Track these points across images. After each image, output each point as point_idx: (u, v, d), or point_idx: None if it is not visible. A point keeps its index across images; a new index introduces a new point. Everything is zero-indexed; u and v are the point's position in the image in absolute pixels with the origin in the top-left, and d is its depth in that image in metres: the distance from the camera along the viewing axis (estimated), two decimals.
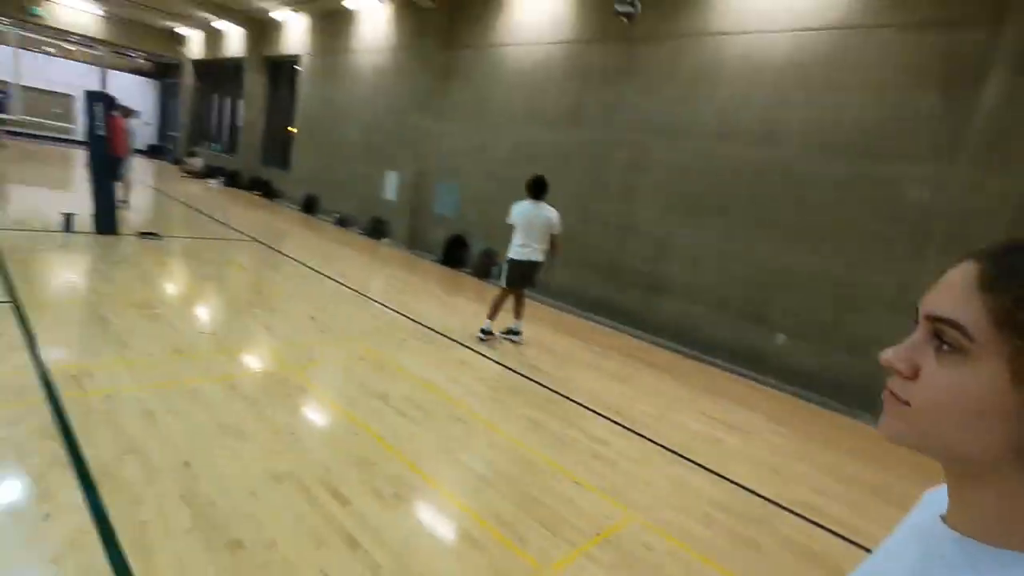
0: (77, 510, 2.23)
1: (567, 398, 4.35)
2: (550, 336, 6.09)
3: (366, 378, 4.12)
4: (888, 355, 0.49)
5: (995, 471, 0.44)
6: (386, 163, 10.83)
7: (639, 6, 6.48)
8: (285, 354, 4.37)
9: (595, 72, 7.53)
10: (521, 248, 5.26)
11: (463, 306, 6.88)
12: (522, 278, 5.37)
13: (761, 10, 5.95)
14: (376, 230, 10.96)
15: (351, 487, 2.70)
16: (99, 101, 6.86)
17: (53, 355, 3.58)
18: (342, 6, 11.54)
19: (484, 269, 8.80)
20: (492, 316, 5.45)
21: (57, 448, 2.61)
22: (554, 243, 5.36)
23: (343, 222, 11.86)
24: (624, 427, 3.98)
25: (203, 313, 5.10)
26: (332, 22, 12.39)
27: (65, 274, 5.54)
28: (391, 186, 10.73)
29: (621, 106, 7.23)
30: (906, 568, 0.52)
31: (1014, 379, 0.41)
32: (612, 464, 3.41)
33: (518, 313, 5.57)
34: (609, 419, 4.07)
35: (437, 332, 5.51)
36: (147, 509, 2.31)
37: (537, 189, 5.25)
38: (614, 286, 7.26)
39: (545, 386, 4.54)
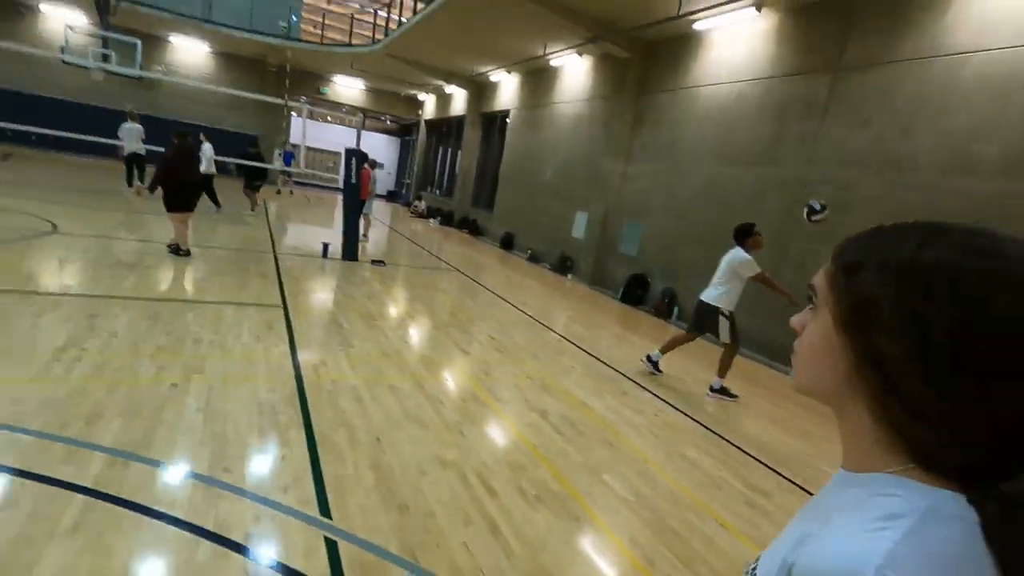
0: (302, 458, 2.96)
1: (730, 443, 4.16)
2: (727, 380, 5.82)
3: (531, 395, 4.50)
4: (792, 319, 0.63)
5: (844, 406, 0.56)
6: (577, 204, 11.46)
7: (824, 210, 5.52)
8: (466, 366, 4.99)
9: (793, 107, 7.13)
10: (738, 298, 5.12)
11: (636, 342, 6.94)
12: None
13: (1007, 22, 5.10)
14: (563, 266, 11.59)
15: (501, 483, 3.05)
16: (354, 156, 8.72)
17: (303, 346, 4.68)
18: (548, 64, 12.74)
19: (664, 309, 8.71)
20: (665, 350, 5.44)
21: (295, 413, 3.46)
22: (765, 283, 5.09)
23: (534, 258, 12.78)
24: (793, 483, 3.67)
25: (409, 326, 6.07)
26: (538, 79, 13.71)
27: (318, 289, 7.08)
28: (580, 225, 11.30)
29: (822, 141, 6.70)
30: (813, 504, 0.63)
31: (835, 324, 0.55)
32: (768, 515, 3.20)
33: (724, 368, 5.16)
34: (776, 471, 3.79)
35: (604, 363, 5.70)
36: (346, 467, 2.95)
37: (740, 234, 5.10)
38: None
39: (708, 427, 4.40)
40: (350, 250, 8.87)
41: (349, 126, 26.04)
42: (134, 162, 12.02)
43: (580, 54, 11.43)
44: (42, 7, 17.66)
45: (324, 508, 2.56)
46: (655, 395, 4.98)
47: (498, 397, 4.41)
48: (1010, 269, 0.46)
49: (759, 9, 7.55)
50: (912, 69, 5.85)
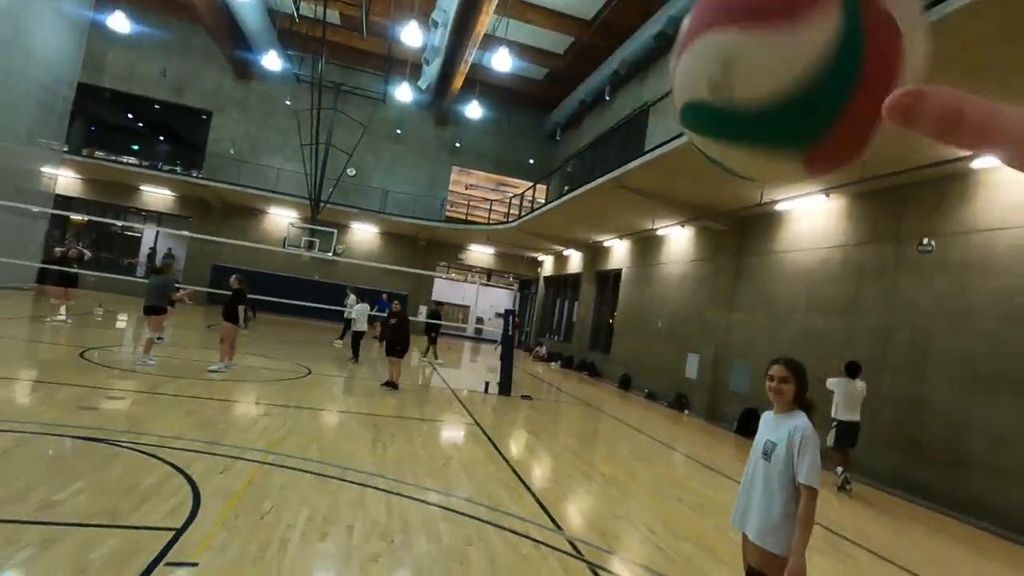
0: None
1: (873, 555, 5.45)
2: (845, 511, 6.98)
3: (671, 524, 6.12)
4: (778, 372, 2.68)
5: (791, 402, 2.59)
6: (688, 347, 13.21)
7: (935, 247, 7.77)
8: (597, 491, 6.74)
9: (868, 268, 8.84)
10: (847, 412, 7.13)
11: None
12: (847, 438, 7.13)
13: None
14: (679, 403, 13.04)
15: None
16: (510, 314, 11.43)
17: (501, 446, 6.76)
18: (655, 233, 15.44)
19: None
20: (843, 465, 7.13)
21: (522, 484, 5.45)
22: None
23: (651, 396, 14.33)
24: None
25: (543, 440, 7.97)
26: (646, 244, 16.41)
27: (488, 414, 9.28)
28: (692, 366, 12.93)
29: (897, 294, 8.26)
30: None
31: (791, 377, 2.60)
32: None
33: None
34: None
35: (723, 474, 7.14)
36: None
37: (852, 370, 7.29)
38: (909, 461, 7.58)
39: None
40: (505, 387, 11.20)
41: (474, 283, 30.32)
42: (360, 337, 13.07)
43: (683, 226, 14.00)
44: (269, 210, 24.14)
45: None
46: None
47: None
48: (802, 366, 2.55)
49: (827, 195, 9.68)
50: (957, 240, 7.51)
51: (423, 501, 4.57)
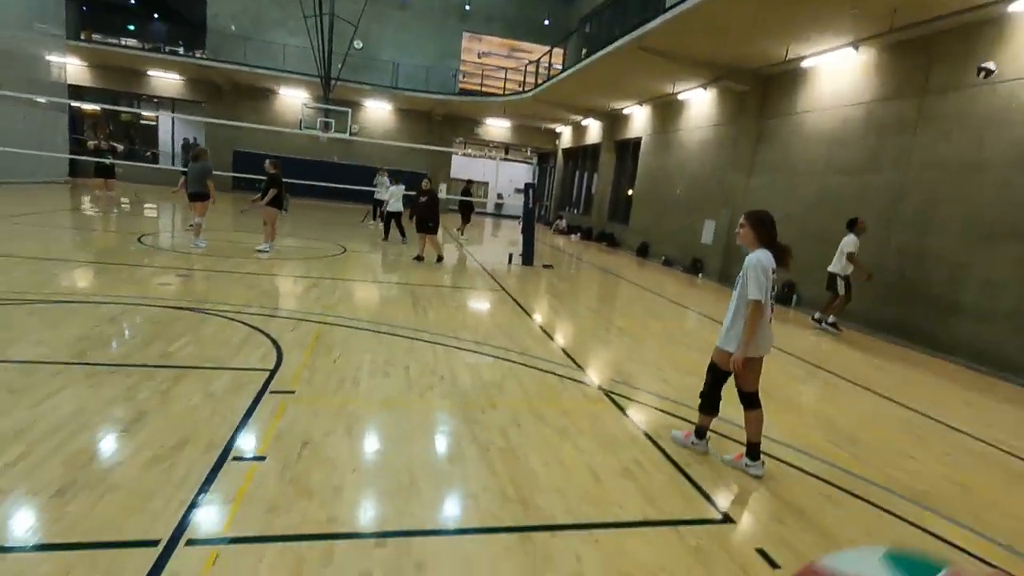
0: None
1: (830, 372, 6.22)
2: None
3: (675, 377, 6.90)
4: (741, 232, 3.17)
5: (750, 245, 3.13)
6: (705, 214, 13.50)
7: (996, 68, 7.35)
8: (613, 341, 7.51)
9: (889, 125, 8.79)
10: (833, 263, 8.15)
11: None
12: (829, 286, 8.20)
13: None
14: (694, 268, 13.65)
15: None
16: (530, 188, 11.74)
17: (533, 313, 7.54)
18: (676, 98, 15.00)
19: (786, 297, 10.52)
20: (826, 312, 8.24)
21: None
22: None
23: (668, 263, 14.94)
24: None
25: (565, 303, 8.74)
26: (667, 109, 15.98)
27: (514, 282, 10.04)
28: (708, 232, 13.32)
29: (915, 151, 8.32)
30: None
31: (751, 226, 3.17)
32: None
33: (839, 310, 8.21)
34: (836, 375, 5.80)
35: None
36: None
37: (848, 225, 8.04)
38: (907, 309, 8.20)
39: (832, 371, 6.47)
40: (527, 258, 11.86)
41: (491, 158, 30.00)
42: (393, 217, 13.23)
43: (705, 88, 13.57)
44: (280, 90, 23.61)
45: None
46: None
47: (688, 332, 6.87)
48: (766, 215, 3.21)
49: (856, 48, 9.30)
50: (983, 92, 7.40)
51: (463, 349, 5.39)
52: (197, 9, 23.52)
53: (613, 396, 4.57)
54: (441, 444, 3.39)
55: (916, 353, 7.57)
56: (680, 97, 14.80)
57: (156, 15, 27.66)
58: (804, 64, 10.35)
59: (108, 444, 2.93)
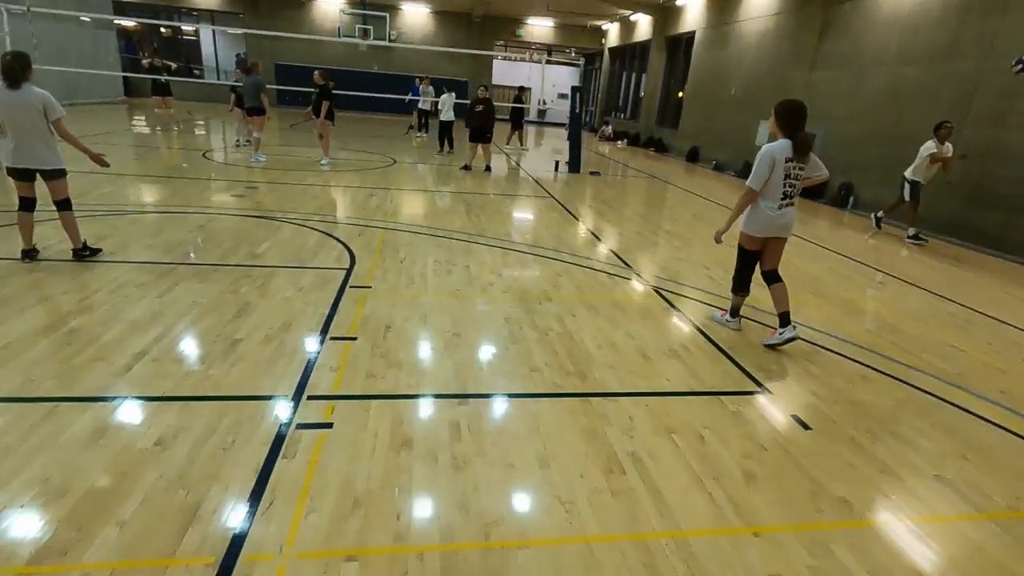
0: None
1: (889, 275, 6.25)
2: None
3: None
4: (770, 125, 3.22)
5: (775, 134, 3.21)
6: (760, 114, 12.86)
7: None
8: (662, 243, 7.61)
9: (973, 5, 8.00)
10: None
11: (821, 225, 8.86)
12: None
13: None
14: (746, 172, 13.21)
15: None
16: (576, 91, 11.44)
17: (582, 220, 7.72)
18: None
19: (841, 200, 10.23)
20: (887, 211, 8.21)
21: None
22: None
23: (719, 167, 14.51)
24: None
25: (613, 208, 8.82)
26: None
27: (561, 189, 10.13)
28: (763, 134, 12.76)
29: (999, 37, 7.62)
30: None
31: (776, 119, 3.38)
32: None
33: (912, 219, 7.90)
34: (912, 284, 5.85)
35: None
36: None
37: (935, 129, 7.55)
38: (976, 211, 7.90)
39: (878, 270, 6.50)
40: (574, 165, 11.80)
41: (535, 61, 28.70)
42: (446, 127, 13.03)
43: None
44: None
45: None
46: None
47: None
48: (791, 105, 3.41)
49: None
50: None
51: (517, 251, 5.71)
52: None
53: (661, 291, 4.85)
54: (505, 329, 3.80)
55: (978, 254, 7.42)
56: None
57: None
58: None
59: (228, 326, 3.47)
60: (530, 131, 24.51)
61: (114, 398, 2.61)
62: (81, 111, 15.73)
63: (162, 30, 24.85)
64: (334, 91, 9.83)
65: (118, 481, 2.09)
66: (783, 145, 3.46)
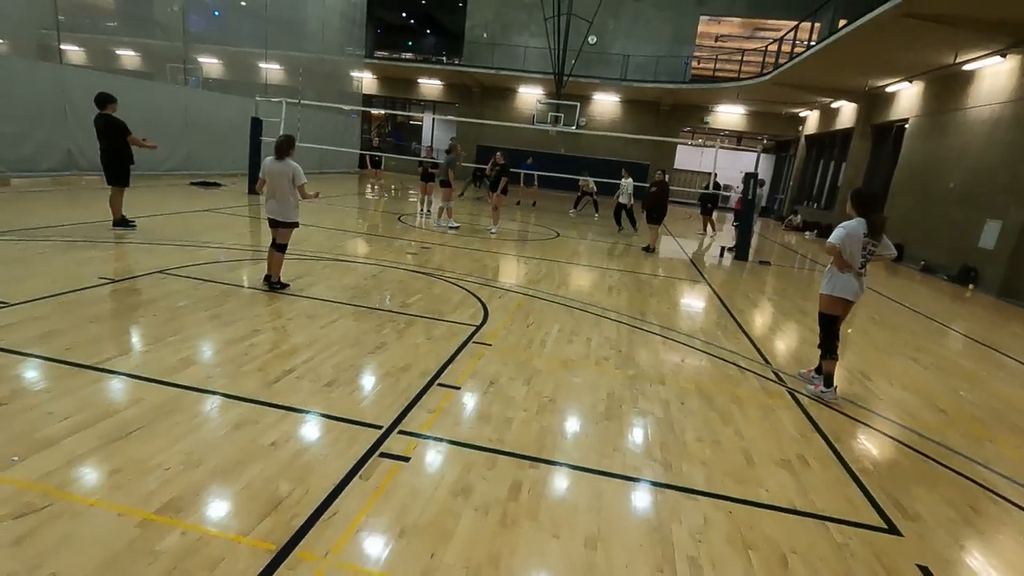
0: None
1: None
2: None
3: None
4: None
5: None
6: (988, 211, 10.92)
7: None
8: (816, 340, 6.72)
9: None
10: None
11: None
12: None
13: None
14: (964, 277, 11.18)
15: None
16: (751, 177, 11.04)
17: (729, 305, 7.29)
18: (960, 69, 12.30)
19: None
20: None
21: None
22: None
23: (928, 269, 12.47)
24: None
25: (773, 301, 8.03)
26: (945, 84, 13.19)
27: (720, 275, 9.65)
28: (991, 234, 10.77)
29: None
30: None
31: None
32: None
33: None
34: None
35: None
36: None
37: None
38: None
39: None
40: (742, 253, 11.21)
41: (724, 147, 28.19)
42: (622, 209, 13.86)
43: (1002, 56, 10.89)
44: (519, 89, 25.92)
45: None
46: None
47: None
48: (865, 191, 4.26)
49: None
50: None
51: (646, 330, 5.61)
52: (458, 22, 27.11)
53: (796, 393, 4.35)
54: (603, 404, 3.77)
55: None
56: (966, 68, 12.12)
57: (428, 31, 32.67)
58: None
59: (361, 360, 4.02)
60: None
61: (258, 402, 3.22)
62: (327, 179, 19.59)
63: (397, 118, 30.12)
64: (514, 169, 10.90)
65: (234, 466, 2.57)
66: (858, 222, 4.13)
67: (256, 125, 12.24)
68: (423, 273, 7.01)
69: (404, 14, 30.91)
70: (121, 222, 7.44)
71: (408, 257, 7.98)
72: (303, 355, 3.98)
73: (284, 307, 5.05)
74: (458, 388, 3.72)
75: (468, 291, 6.32)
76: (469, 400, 3.58)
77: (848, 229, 4.16)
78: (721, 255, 11.51)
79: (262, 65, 18.86)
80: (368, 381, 3.68)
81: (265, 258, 5.65)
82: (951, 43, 11.03)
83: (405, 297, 5.82)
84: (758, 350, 5.39)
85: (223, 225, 8.69)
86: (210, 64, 19.92)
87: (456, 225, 10.97)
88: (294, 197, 5.29)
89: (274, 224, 5.36)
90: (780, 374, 4.78)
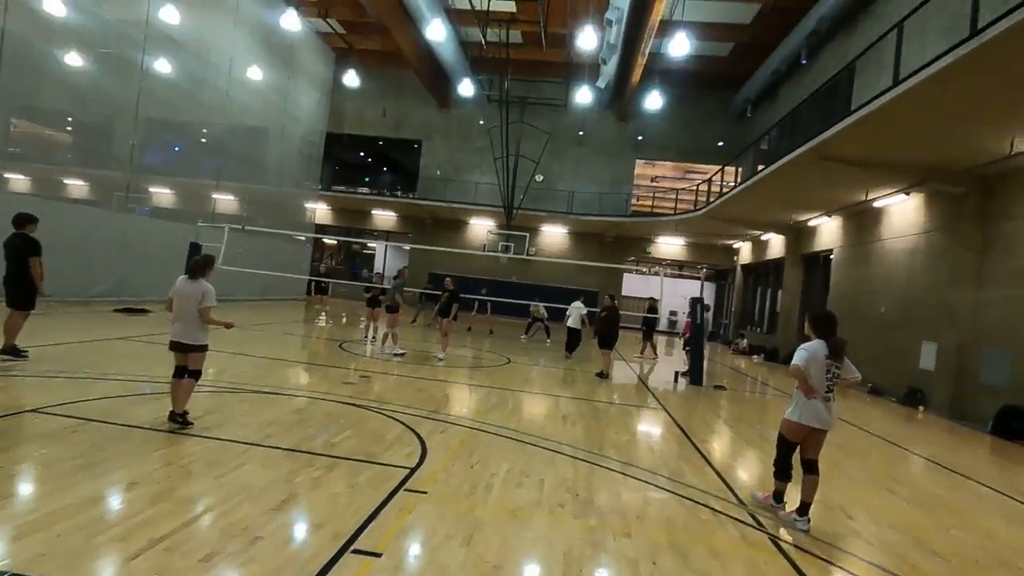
0: None
1: None
2: None
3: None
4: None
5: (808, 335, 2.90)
6: (923, 334, 11.31)
7: None
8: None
9: None
10: None
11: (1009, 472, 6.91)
12: None
13: None
14: (912, 398, 11.24)
15: None
16: (697, 302, 11.19)
17: (692, 435, 6.83)
18: (872, 206, 13.51)
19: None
20: None
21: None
22: None
23: (876, 391, 12.57)
24: None
25: (735, 428, 7.65)
26: (861, 219, 14.41)
27: (676, 401, 9.27)
28: (929, 356, 11.05)
29: None
30: None
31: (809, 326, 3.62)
32: None
33: None
34: None
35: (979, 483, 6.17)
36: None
37: None
38: None
39: None
40: (696, 377, 10.99)
41: (657, 274, 29.55)
42: (572, 334, 13.42)
43: (907, 194, 12.04)
44: (470, 220, 26.94)
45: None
46: None
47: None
48: (822, 313, 4.12)
49: None
50: None
51: (606, 467, 5.01)
52: (414, 161, 28.70)
53: (779, 542, 3.76)
54: (559, 568, 3.07)
55: None
56: (877, 205, 13.31)
57: (385, 168, 34.38)
58: None
59: (259, 520, 3.23)
60: (660, 341, 24.15)
61: None
62: (270, 305, 18.88)
63: (352, 246, 30.43)
64: (465, 295, 10.68)
65: None
66: (819, 344, 4.04)
67: (194, 250, 11.78)
68: (357, 406, 6.29)
69: (362, 153, 32.62)
70: (11, 350, 6.53)
71: (344, 387, 7.26)
72: (184, 516, 3.17)
73: (181, 451, 4.23)
74: (379, 555, 2.97)
75: (407, 425, 5.63)
76: (391, 572, 2.82)
77: (810, 351, 4.07)
78: (676, 380, 11.26)
79: (214, 195, 18.91)
80: (262, 551, 2.88)
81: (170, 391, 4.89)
82: (862, 182, 12.17)
83: (332, 435, 5.07)
84: (728, 486, 4.84)
85: (136, 354, 7.82)
86: (161, 193, 19.86)
87: (402, 352, 10.40)
88: (201, 319, 4.72)
89: (179, 348, 4.71)
90: (757, 517, 4.21)
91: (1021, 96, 7.27)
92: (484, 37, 21.52)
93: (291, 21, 18.66)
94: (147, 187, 19.05)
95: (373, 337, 12.02)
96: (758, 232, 20.58)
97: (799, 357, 4.04)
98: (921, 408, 10.91)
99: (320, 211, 27.19)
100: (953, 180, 10.24)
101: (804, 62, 18.88)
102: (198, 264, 4.76)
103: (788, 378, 4.31)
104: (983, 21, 6.43)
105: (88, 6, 13.75)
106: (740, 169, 22.11)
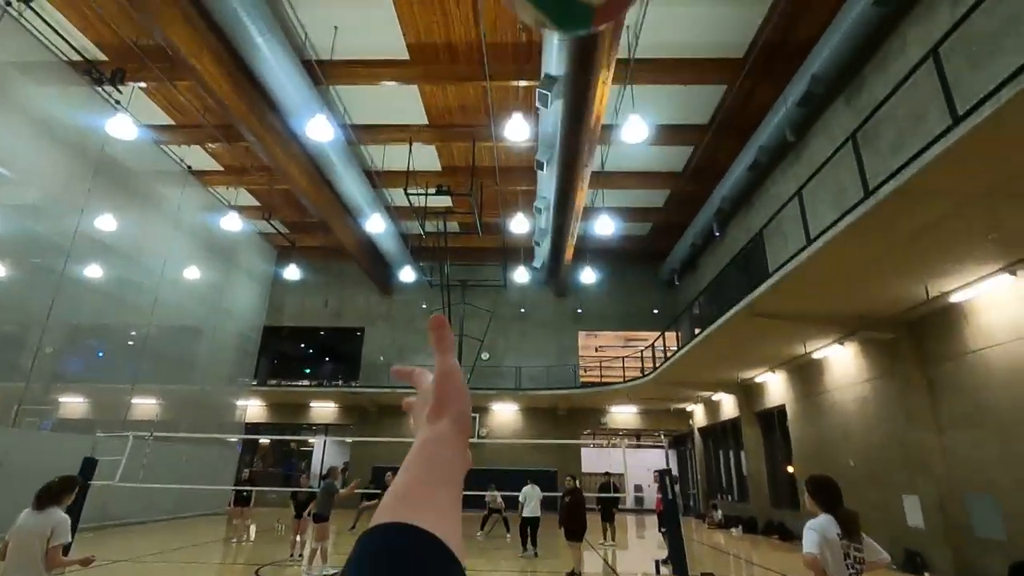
0: None
1: None
2: None
3: None
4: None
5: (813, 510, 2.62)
6: (900, 487, 10.73)
7: None
8: None
9: None
10: None
11: None
12: None
13: None
14: (913, 563, 10.21)
15: None
16: (665, 474, 10.29)
17: None
18: (811, 358, 13.82)
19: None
20: None
21: None
22: None
23: None
24: None
25: None
26: (805, 371, 14.63)
27: None
28: (914, 511, 10.34)
29: None
30: None
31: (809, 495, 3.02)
32: None
33: None
34: None
35: None
36: None
37: None
38: None
39: None
40: (680, 567, 9.62)
41: (621, 447, 28.40)
42: (530, 524, 11.61)
43: (841, 344, 12.42)
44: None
45: None
46: None
47: None
48: (822, 480, 3.36)
49: (1014, 273, 8.19)
50: None
51: None
52: (356, 348, 28.10)
53: None
54: None
55: None
56: (816, 356, 13.62)
57: (327, 358, 33.42)
58: (954, 299, 9.23)
59: None
60: (627, 520, 22.16)
61: None
62: (186, 524, 16.15)
63: (289, 444, 27.90)
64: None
65: None
66: (827, 519, 3.35)
67: (88, 466, 10.07)
68: None
69: (302, 344, 31.84)
70: None
71: None
72: None
73: None
74: None
75: None
76: None
77: (820, 531, 3.37)
78: (657, 571, 9.82)
79: (129, 400, 17.21)
80: None
81: None
82: (799, 336, 12.53)
83: None
84: None
85: None
86: (73, 403, 17.98)
87: (333, 570, 8.64)
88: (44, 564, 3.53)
89: None
90: None
91: (920, 247, 7.89)
92: (423, 229, 22.83)
93: (232, 223, 19.16)
94: (55, 397, 17.24)
95: (300, 554, 10.10)
96: (708, 393, 20.55)
97: (810, 541, 3.33)
98: (926, 574, 9.84)
99: (253, 408, 25.30)
100: (881, 327, 10.66)
101: (717, 235, 20.85)
102: (51, 489, 3.70)
103: (779, 552, 3.53)
104: (858, 196, 7.15)
105: (23, 219, 13.63)
106: (678, 333, 22.91)
